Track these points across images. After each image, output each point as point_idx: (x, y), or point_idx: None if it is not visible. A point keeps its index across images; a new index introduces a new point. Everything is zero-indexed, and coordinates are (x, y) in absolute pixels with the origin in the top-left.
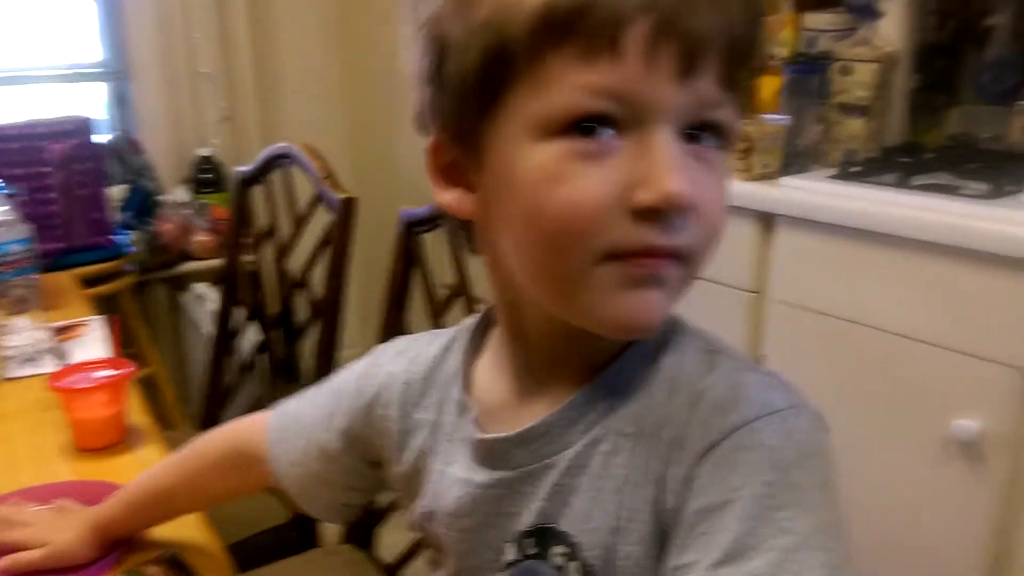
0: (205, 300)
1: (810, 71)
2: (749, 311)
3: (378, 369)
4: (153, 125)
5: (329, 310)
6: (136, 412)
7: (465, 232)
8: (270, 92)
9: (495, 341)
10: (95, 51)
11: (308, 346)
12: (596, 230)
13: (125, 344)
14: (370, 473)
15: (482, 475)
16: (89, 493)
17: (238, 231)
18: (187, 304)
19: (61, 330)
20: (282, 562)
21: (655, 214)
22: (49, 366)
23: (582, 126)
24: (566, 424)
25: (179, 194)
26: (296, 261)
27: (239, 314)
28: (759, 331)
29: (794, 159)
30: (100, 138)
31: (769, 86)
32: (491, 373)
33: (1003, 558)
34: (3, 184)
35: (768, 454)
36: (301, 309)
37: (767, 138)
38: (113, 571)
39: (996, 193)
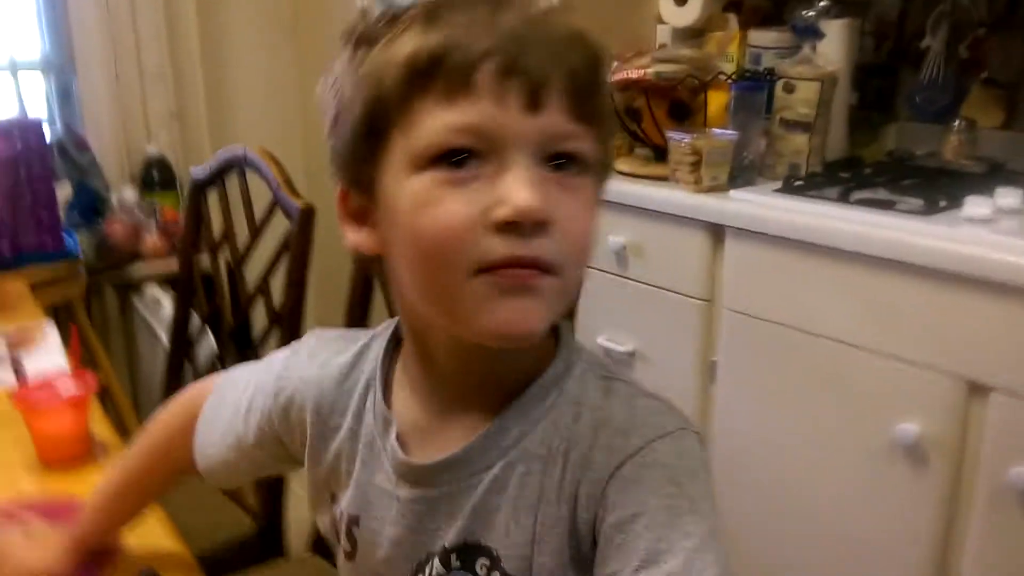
0: (160, 304)
1: (756, 87)
2: (701, 319)
3: (292, 372)
4: (99, 121)
5: (289, 318)
6: (99, 424)
7: (376, 268)
8: (220, 91)
9: (405, 359)
10: (34, 43)
11: (267, 355)
12: (465, 246)
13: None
14: (277, 467)
15: (405, 491)
16: (59, 509)
17: (193, 236)
18: (141, 308)
19: (14, 338)
20: (247, 572)
21: (513, 227)
22: (4, 379)
23: (449, 159)
24: (484, 450)
25: (128, 193)
26: (254, 268)
27: (195, 321)
28: (711, 338)
29: (741, 172)
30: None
31: (717, 101)
32: (406, 391)
33: (945, 558)
34: None
35: (666, 471)
36: (260, 317)
37: (716, 152)
38: None
39: (931, 209)
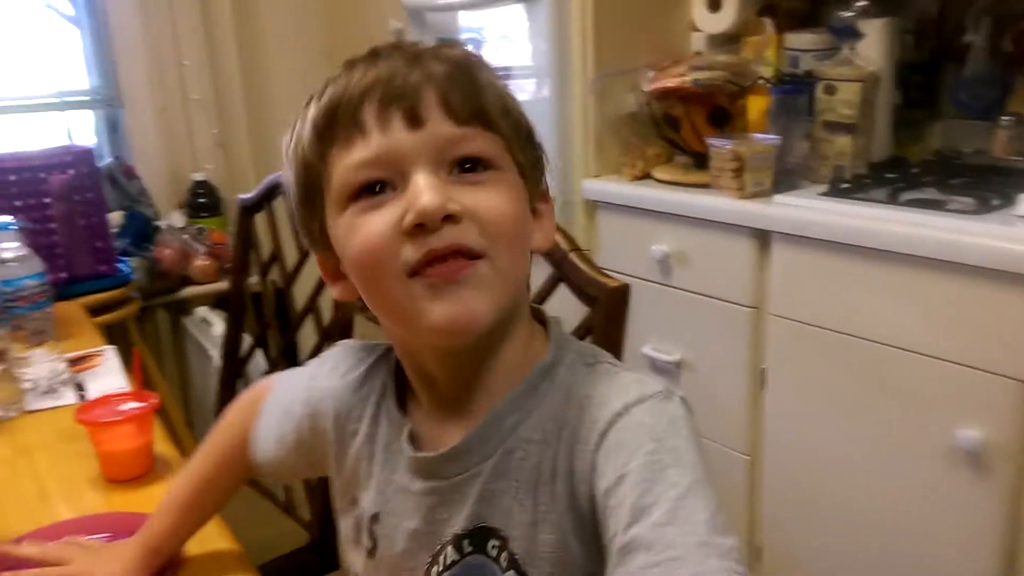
0: (210, 324)
1: (796, 91)
2: (749, 326)
3: (317, 383)
4: (146, 151)
5: (340, 335)
6: (160, 442)
7: (365, 311)
8: (261, 117)
9: (407, 373)
10: (82, 78)
11: None
12: (388, 255)
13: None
14: (313, 471)
15: (418, 485)
16: (129, 524)
17: (242, 258)
18: (191, 328)
19: (75, 361)
20: None
21: (422, 228)
22: (68, 398)
23: (366, 192)
24: (483, 440)
25: (176, 219)
26: (302, 287)
27: (247, 340)
28: (760, 346)
29: (784, 176)
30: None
31: (757, 106)
32: (414, 395)
33: (1010, 566)
34: (13, 221)
35: (646, 430)
36: (310, 334)
37: (758, 157)
38: None
39: (983, 208)
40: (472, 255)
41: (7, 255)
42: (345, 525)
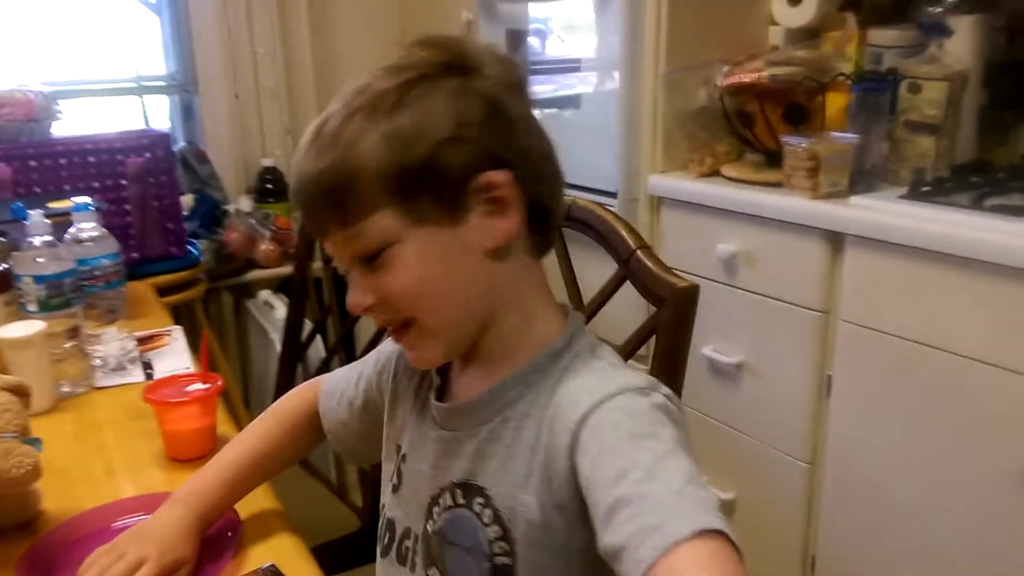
0: (273, 307)
1: (880, 88)
2: (817, 331)
3: (386, 347)
4: (218, 136)
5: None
6: (223, 423)
7: None
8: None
9: None
10: (158, 64)
11: None
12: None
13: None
14: (374, 432)
15: (433, 432)
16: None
17: (308, 243)
18: (254, 311)
19: (144, 340)
20: (354, 572)
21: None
22: (136, 376)
23: None
24: (486, 405)
25: (243, 204)
26: None
27: (308, 324)
28: (827, 352)
29: (861, 177)
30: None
31: (836, 103)
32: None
33: None
34: (91, 202)
35: (625, 413)
36: (370, 324)
37: (835, 156)
38: None
39: None
40: (400, 327)
41: (84, 235)
42: (386, 468)
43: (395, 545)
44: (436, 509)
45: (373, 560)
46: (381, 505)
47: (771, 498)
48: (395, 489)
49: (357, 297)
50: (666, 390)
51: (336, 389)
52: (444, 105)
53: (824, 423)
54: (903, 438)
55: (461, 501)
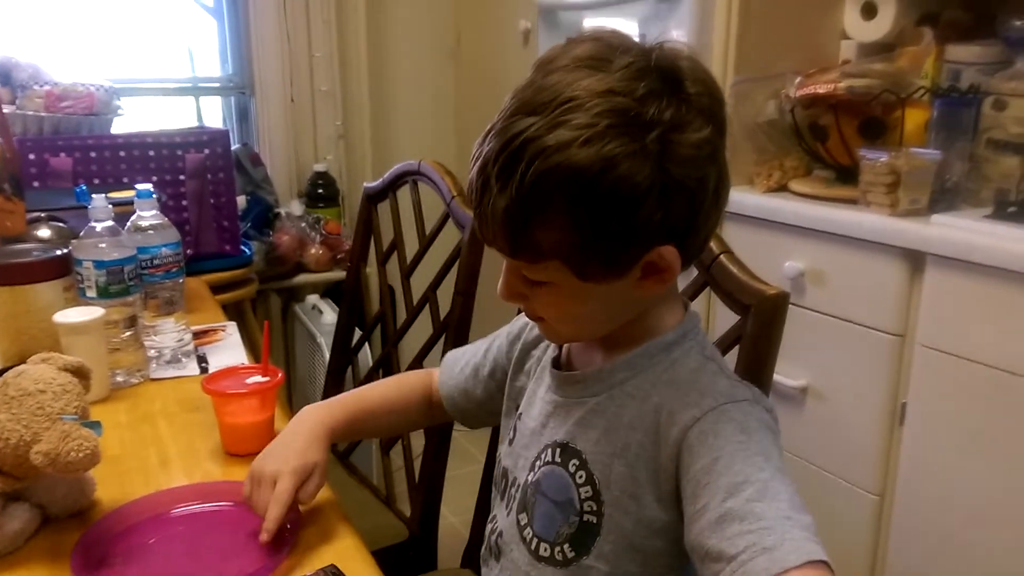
0: (321, 312)
1: (964, 104)
2: (891, 355)
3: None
4: (272, 139)
5: (457, 327)
6: (280, 420)
7: None
8: (383, 111)
9: None
10: (214, 66)
11: (432, 362)
12: None
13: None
14: (496, 398)
15: (547, 396)
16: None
17: (363, 247)
18: (301, 314)
19: (199, 334)
20: None
21: None
22: (191, 369)
23: None
24: (596, 381)
25: (295, 207)
26: (420, 277)
27: (360, 328)
28: (902, 377)
29: (941, 196)
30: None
31: (914, 119)
32: None
33: None
34: (152, 190)
35: (736, 425)
36: (425, 325)
37: (917, 172)
38: None
39: None
40: (536, 318)
41: (146, 223)
42: (505, 423)
43: (507, 489)
44: (538, 463)
45: (421, 571)
46: (497, 455)
47: (834, 530)
48: (510, 442)
49: (506, 288)
50: (768, 403)
51: (460, 360)
52: (643, 177)
53: (896, 453)
54: (981, 472)
55: (558, 460)
